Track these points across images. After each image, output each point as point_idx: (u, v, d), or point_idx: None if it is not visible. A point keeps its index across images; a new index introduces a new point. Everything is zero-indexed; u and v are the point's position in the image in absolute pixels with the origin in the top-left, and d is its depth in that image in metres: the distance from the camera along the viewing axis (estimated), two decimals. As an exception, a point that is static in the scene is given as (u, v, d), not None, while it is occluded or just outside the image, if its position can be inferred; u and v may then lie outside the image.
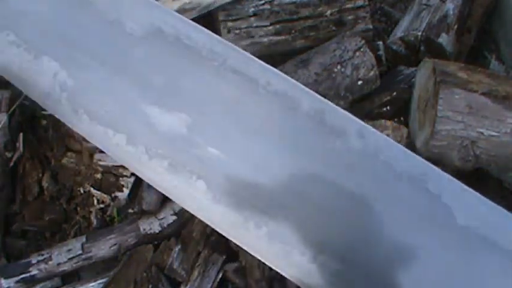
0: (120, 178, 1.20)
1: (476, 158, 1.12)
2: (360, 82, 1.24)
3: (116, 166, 1.20)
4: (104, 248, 1.17)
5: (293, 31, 1.35)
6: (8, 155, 1.26)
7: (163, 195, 1.19)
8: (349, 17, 1.36)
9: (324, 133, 0.83)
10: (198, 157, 0.83)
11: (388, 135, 1.18)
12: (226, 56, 0.87)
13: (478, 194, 0.83)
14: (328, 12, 1.36)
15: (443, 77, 1.13)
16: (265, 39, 1.34)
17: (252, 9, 1.33)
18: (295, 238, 0.80)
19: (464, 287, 0.79)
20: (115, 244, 1.17)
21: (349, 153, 0.83)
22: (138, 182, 1.20)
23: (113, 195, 1.20)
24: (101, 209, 1.22)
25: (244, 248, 0.85)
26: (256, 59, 0.88)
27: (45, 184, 1.25)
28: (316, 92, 1.19)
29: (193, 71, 0.86)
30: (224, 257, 1.13)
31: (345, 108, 1.24)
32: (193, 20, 1.27)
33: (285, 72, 1.20)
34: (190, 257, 1.13)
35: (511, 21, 1.43)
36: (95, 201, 1.22)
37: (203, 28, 0.90)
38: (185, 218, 1.18)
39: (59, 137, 1.27)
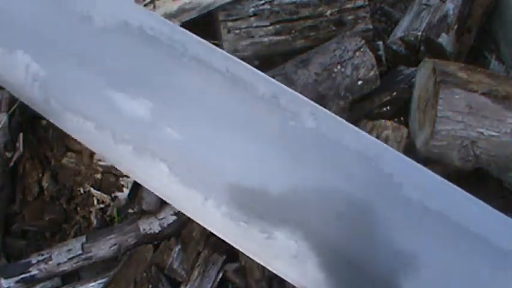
0: (120, 178, 1.20)
1: (476, 158, 1.12)
2: (360, 82, 1.24)
3: (116, 166, 1.20)
4: (104, 248, 1.17)
5: (293, 31, 1.35)
6: (8, 155, 1.26)
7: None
8: (349, 17, 1.36)
9: (279, 115, 0.87)
10: (160, 140, 0.88)
11: (388, 135, 1.18)
12: (187, 45, 0.91)
13: (430, 172, 0.86)
14: (328, 12, 1.36)
15: (443, 77, 1.13)
16: (265, 39, 1.34)
17: (252, 9, 1.33)
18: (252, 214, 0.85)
19: (410, 254, 0.82)
20: (115, 244, 1.17)
21: (303, 133, 0.85)
22: (138, 182, 1.21)
23: (113, 195, 1.20)
24: (101, 209, 1.22)
25: (199, 222, 0.90)
26: (217, 49, 0.93)
27: (45, 184, 1.25)
28: (316, 92, 1.20)
29: (156, 59, 0.91)
30: (224, 257, 1.13)
31: (345, 108, 1.25)
32: (193, 20, 1.29)
33: (285, 72, 1.21)
34: (190, 257, 1.13)
35: (511, 21, 1.43)
36: (95, 201, 1.22)
37: (166, 20, 0.96)
38: (185, 218, 1.18)
39: (59, 137, 1.27)
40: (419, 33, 1.33)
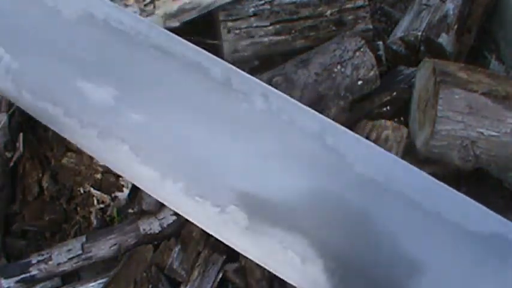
0: (120, 178, 1.20)
1: (476, 158, 1.12)
2: (360, 82, 1.24)
3: (116, 166, 1.20)
4: (104, 248, 1.17)
5: (293, 31, 1.35)
6: (8, 155, 1.26)
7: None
8: (349, 17, 1.36)
9: (231, 96, 0.93)
10: (123, 124, 0.94)
11: (388, 135, 1.18)
12: (149, 34, 0.98)
13: (374, 145, 0.92)
14: (328, 12, 1.36)
15: (443, 77, 1.13)
16: (265, 39, 1.34)
17: (252, 9, 1.33)
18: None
19: (355, 224, 0.88)
20: (115, 244, 1.17)
21: (254, 113, 0.91)
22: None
23: (113, 195, 1.20)
24: (101, 209, 1.22)
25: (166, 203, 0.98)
26: (176, 37, 0.99)
27: (45, 184, 1.25)
28: (316, 92, 1.21)
29: (120, 48, 0.97)
30: (224, 257, 1.13)
31: (345, 108, 1.25)
32: (193, 20, 1.29)
33: (285, 72, 1.21)
34: (190, 257, 1.13)
35: (511, 21, 1.43)
36: (95, 201, 1.22)
37: (129, 12, 1.05)
38: (185, 218, 1.18)
39: (59, 137, 1.27)
40: (419, 33, 1.33)
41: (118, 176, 1.20)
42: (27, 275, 1.15)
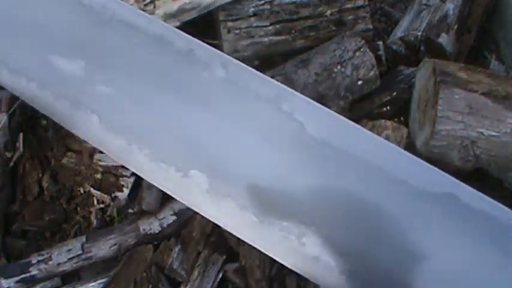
0: (120, 178, 1.20)
1: (476, 158, 1.12)
2: (360, 82, 1.24)
3: (116, 166, 1.20)
4: (104, 248, 1.17)
5: (293, 31, 1.35)
6: (8, 155, 1.26)
7: (163, 195, 1.20)
8: (349, 17, 1.36)
9: (194, 66, 0.99)
10: (92, 95, 1.00)
11: (388, 135, 1.18)
12: (116, 10, 1.03)
13: (329, 111, 0.97)
14: (328, 12, 1.36)
15: (443, 77, 1.13)
16: (265, 39, 1.34)
17: (252, 9, 1.33)
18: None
19: (312, 183, 0.93)
20: (115, 244, 1.17)
21: (215, 82, 0.98)
22: (138, 182, 1.20)
23: (113, 195, 1.20)
24: (101, 209, 1.22)
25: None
26: (142, 12, 1.06)
27: (45, 184, 1.25)
28: (316, 92, 1.20)
29: (88, 24, 1.04)
30: (224, 257, 1.13)
31: (345, 108, 1.25)
32: (193, 20, 1.29)
33: (285, 72, 1.22)
34: (190, 257, 1.13)
35: (511, 21, 1.43)
36: (95, 201, 1.22)
37: None
38: (185, 218, 1.18)
39: (59, 137, 1.27)
40: (419, 33, 1.33)
41: (118, 176, 1.20)
42: (27, 275, 1.15)
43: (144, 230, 1.18)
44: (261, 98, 0.96)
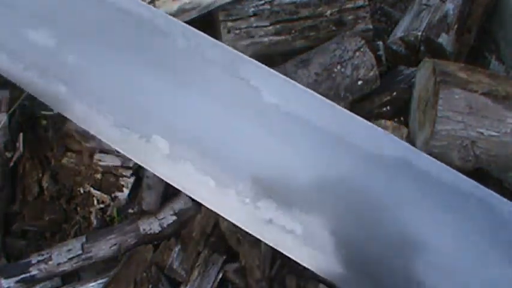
0: (120, 178, 1.20)
1: (476, 158, 1.12)
2: (360, 82, 1.24)
3: (116, 166, 1.20)
4: (104, 248, 1.17)
5: (293, 31, 1.35)
6: (8, 155, 1.26)
7: (163, 195, 1.20)
8: (349, 17, 1.36)
9: (156, 35, 1.05)
10: (62, 65, 1.04)
11: (388, 135, 1.18)
12: None
13: (286, 78, 1.02)
14: (328, 12, 1.36)
15: (443, 77, 1.13)
16: (265, 39, 1.34)
17: (252, 9, 1.33)
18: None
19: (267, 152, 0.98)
20: (115, 244, 1.17)
21: (176, 50, 1.04)
22: (138, 182, 1.21)
23: (113, 195, 1.20)
24: (101, 209, 1.22)
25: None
26: None
27: (45, 184, 1.25)
28: (317, 92, 1.20)
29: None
30: (224, 257, 1.13)
31: (345, 108, 1.25)
32: (193, 20, 1.29)
33: (285, 73, 1.21)
34: (190, 257, 1.13)
35: (511, 21, 1.43)
36: (95, 201, 1.22)
37: None
38: (185, 218, 1.18)
39: (59, 137, 1.27)
40: (419, 33, 1.33)
41: (118, 176, 1.20)
42: (27, 275, 1.15)
43: (144, 230, 1.18)
44: (219, 65, 1.02)
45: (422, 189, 0.95)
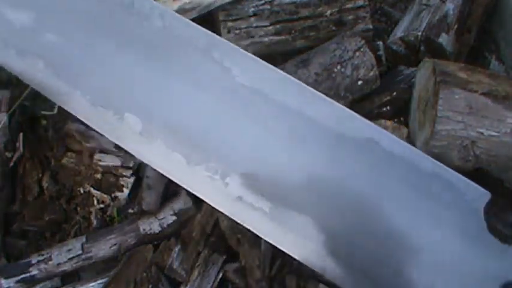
0: (120, 178, 1.20)
1: (476, 158, 1.12)
2: (360, 82, 1.24)
3: (116, 166, 1.20)
4: (104, 248, 1.17)
5: (293, 31, 1.35)
6: (8, 155, 1.26)
7: (163, 195, 1.20)
8: (349, 17, 1.36)
9: (134, 16, 1.08)
10: (40, 43, 1.07)
11: (388, 135, 1.18)
12: None
13: (258, 59, 1.04)
14: (328, 12, 1.36)
15: (443, 77, 1.13)
16: (265, 39, 1.34)
17: (252, 9, 1.33)
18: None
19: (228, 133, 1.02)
20: (115, 244, 1.17)
21: (153, 31, 1.06)
22: (138, 182, 1.21)
23: (113, 195, 1.20)
24: (101, 209, 1.22)
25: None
26: None
27: (45, 184, 1.25)
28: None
29: None
30: (224, 257, 1.13)
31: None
32: (193, 20, 1.28)
33: (285, 72, 1.21)
34: (190, 257, 1.13)
35: (511, 21, 1.43)
36: (95, 201, 1.22)
37: None
38: (185, 218, 1.18)
39: (59, 137, 1.27)
40: (419, 33, 1.33)
41: (118, 176, 1.20)
42: (27, 275, 1.15)
43: (144, 230, 1.18)
44: (194, 47, 1.04)
45: (385, 168, 0.98)
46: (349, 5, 1.36)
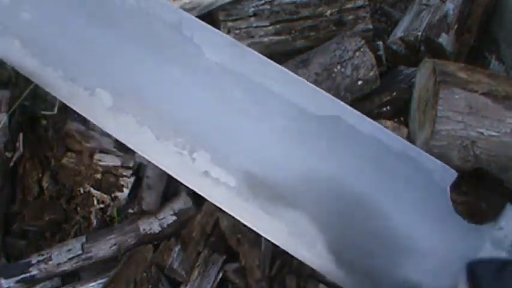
0: (120, 178, 1.20)
1: (476, 158, 1.12)
2: (360, 82, 1.24)
3: (116, 166, 1.20)
4: (104, 248, 1.17)
5: (293, 31, 1.35)
6: (8, 155, 1.26)
7: (163, 195, 1.20)
8: (349, 17, 1.36)
9: None
10: (16, 22, 1.07)
11: (388, 135, 1.18)
12: None
13: (227, 37, 1.06)
14: (328, 12, 1.36)
15: (443, 77, 1.13)
16: (265, 39, 1.34)
17: (252, 9, 1.33)
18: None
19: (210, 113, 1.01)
20: (115, 244, 1.18)
21: (125, 9, 1.06)
22: (138, 182, 1.21)
23: (113, 195, 1.20)
24: (101, 209, 1.22)
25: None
26: None
27: (45, 184, 1.26)
28: (316, 91, 1.20)
29: None
30: (224, 257, 1.13)
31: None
32: (193, 20, 1.29)
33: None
34: (190, 257, 1.13)
35: (511, 21, 1.43)
36: (95, 201, 1.22)
37: None
38: (185, 218, 1.18)
39: (59, 137, 1.27)
40: (419, 33, 1.33)
41: (118, 176, 1.20)
42: (27, 275, 1.15)
43: (144, 230, 1.18)
44: (165, 24, 1.05)
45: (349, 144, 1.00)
46: (349, 5, 1.36)
